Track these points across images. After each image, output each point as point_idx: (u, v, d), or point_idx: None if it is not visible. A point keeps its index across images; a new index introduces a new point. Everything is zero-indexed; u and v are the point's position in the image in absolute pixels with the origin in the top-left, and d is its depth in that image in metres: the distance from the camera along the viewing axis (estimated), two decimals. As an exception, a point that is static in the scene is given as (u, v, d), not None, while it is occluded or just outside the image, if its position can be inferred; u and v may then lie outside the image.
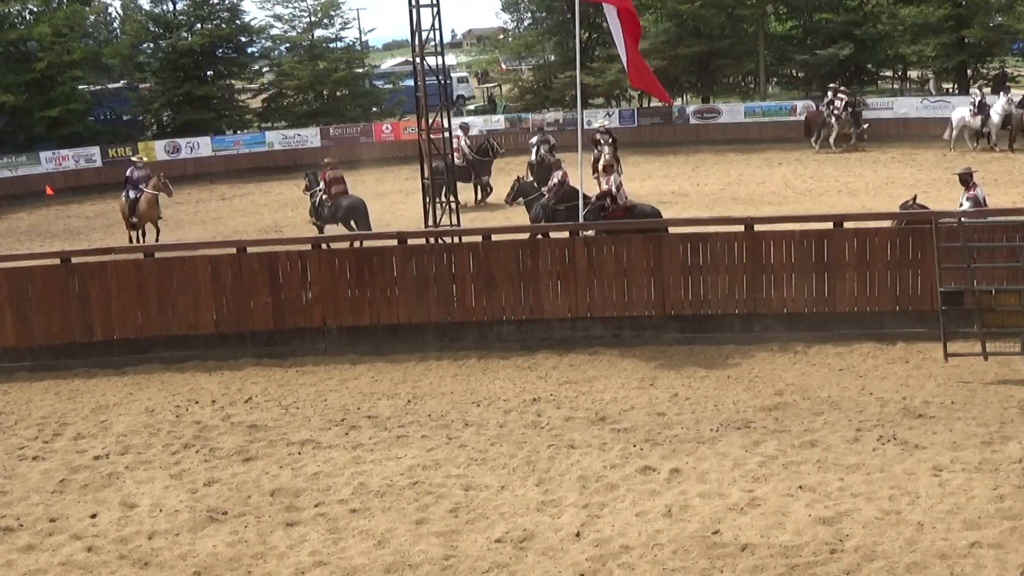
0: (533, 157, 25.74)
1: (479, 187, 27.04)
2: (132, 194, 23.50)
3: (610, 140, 24.95)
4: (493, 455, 10.43)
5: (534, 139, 26.34)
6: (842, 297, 13.87)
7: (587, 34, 41.18)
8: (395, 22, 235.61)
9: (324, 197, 21.91)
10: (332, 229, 21.18)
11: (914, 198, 16.38)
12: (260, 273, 14.56)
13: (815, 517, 8.54)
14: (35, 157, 35.09)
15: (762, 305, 14.02)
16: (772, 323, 13.99)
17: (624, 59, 16.20)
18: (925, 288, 13.53)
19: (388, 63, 66.27)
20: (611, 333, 14.22)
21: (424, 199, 18.04)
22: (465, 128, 28.26)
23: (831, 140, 33.07)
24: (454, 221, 17.58)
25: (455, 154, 26.18)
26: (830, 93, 33.97)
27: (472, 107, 51.56)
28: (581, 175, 18.68)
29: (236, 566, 8.39)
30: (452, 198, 17.88)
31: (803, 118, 35.27)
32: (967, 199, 15.00)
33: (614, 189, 18.00)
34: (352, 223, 21.45)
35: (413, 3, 17.20)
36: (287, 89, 43.17)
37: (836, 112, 33.10)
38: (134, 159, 26.39)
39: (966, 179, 15.26)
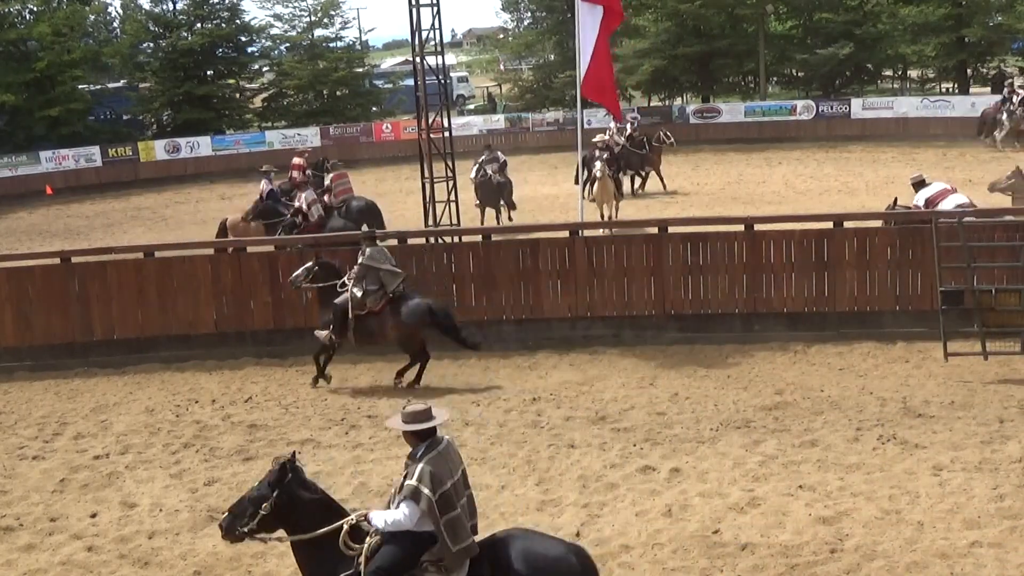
0: (473, 175, 22.84)
1: (631, 178, 26.95)
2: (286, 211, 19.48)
3: (606, 156, 22.55)
4: (493, 455, 10.42)
5: (482, 158, 23.37)
6: (842, 297, 13.87)
7: (587, 34, 41.19)
8: (395, 22, 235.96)
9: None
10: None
11: (895, 201, 16.48)
12: (260, 273, 14.56)
13: (815, 517, 8.54)
14: (35, 157, 35.09)
15: (762, 305, 14.02)
16: (772, 323, 13.99)
17: (585, 64, 15.71)
18: (925, 288, 13.53)
19: (388, 63, 66.26)
20: (611, 333, 14.22)
21: (424, 199, 18.06)
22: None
23: (999, 136, 30.61)
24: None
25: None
26: (1006, 89, 31.94)
27: (472, 107, 51.56)
28: (580, 174, 18.70)
29: (236, 566, 8.39)
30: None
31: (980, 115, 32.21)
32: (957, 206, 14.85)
33: (305, 206, 18.61)
34: None
35: (413, 3, 17.21)
36: (287, 89, 43.17)
37: (1011, 108, 30.56)
38: (263, 168, 21.69)
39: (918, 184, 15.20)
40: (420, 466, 5.95)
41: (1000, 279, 12.89)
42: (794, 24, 44.22)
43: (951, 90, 40.80)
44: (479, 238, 15.07)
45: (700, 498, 9.07)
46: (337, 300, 12.72)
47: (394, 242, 15.06)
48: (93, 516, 9.51)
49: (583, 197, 21.59)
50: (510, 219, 22.75)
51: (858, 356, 13.18)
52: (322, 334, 12.86)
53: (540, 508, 9.10)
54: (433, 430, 6.10)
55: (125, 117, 42.45)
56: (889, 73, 44.66)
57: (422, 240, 16.29)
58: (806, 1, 41.55)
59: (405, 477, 6.03)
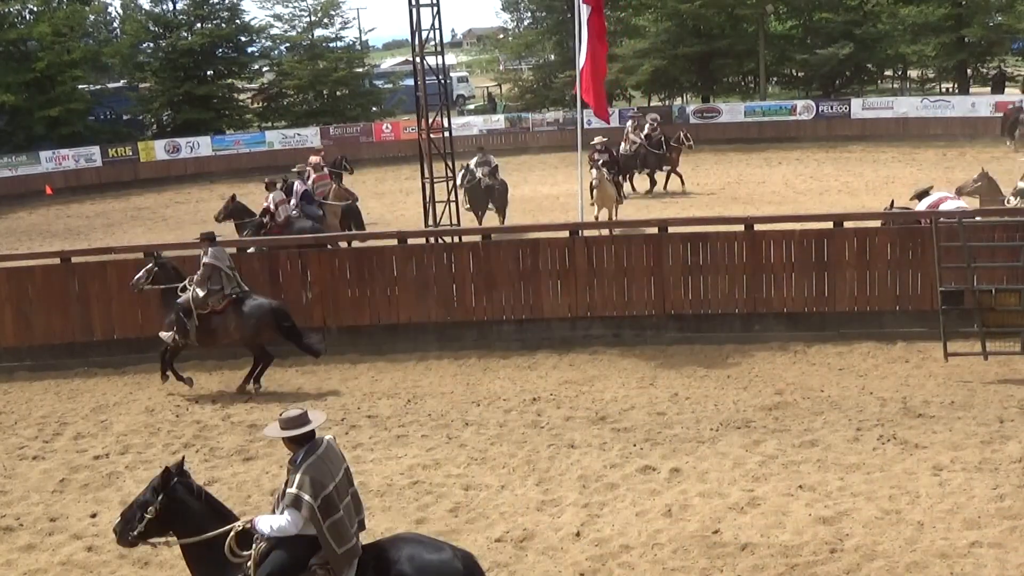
0: (459, 180, 20.46)
1: (649, 177, 27.35)
2: (313, 211, 19.42)
3: (606, 159, 22.21)
4: (493, 455, 10.42)
5: (472, 161, 22.71)
6: (842, 297, 13.87)
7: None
8: (395, 22, 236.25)
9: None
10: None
11: (891, 204, 16.53)
12: (260, 273, 14.54)
13: (815, 517, 8.54)
14: (35, 157, 35.09)
15: (762, 305, 14.02)
16: (772, 323, 13.99)
17: (580, 63, 15.94)
18: (925, 288, 13.53)
19: (388, 63, 66.28)
20: (611, 333, 14.21)
21: (424, 199, 18.06)
22: (636, 120, 28.40)
23: (1018, 136, 30.36)
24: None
25: (624, 144, 26.57)
26: None
27: (472, 107, 51.56)
28: (580, 174, 18.67)
29: (236, 566, 8.37)
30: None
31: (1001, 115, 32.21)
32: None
33: (272, 207, 18.78)
34: None
35: (413, 3, 17.20)
36: (287, 89, 43.17)
37: None
38: (296, 168, 21.61)
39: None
40: (299, 474, 6.04)
41: (1000, 279, 12.89)
42: (794, 24, 44.25)
43: (951, 90, 40.81)
44: (479, 238, 15.06)
45: (700, 498, 9.07)
46: (180, 300, 12.94)
47: (394, 242, 15.07)
48: (93, 516, 9.51)
49: (591, 200, 21.60)
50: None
51: (858, 356, 13.18)
52: (166, 335, 13.03)
53: (540, 508, 9.10)
54: (311, 434, 6.18)
55: (125, 117, 42.47)
56: (889, 73, 44.67)
57: (422, 240, 16.30)
58: (806, 1, 41.57)
59: (286, 484, 6.11)
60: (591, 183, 21.22)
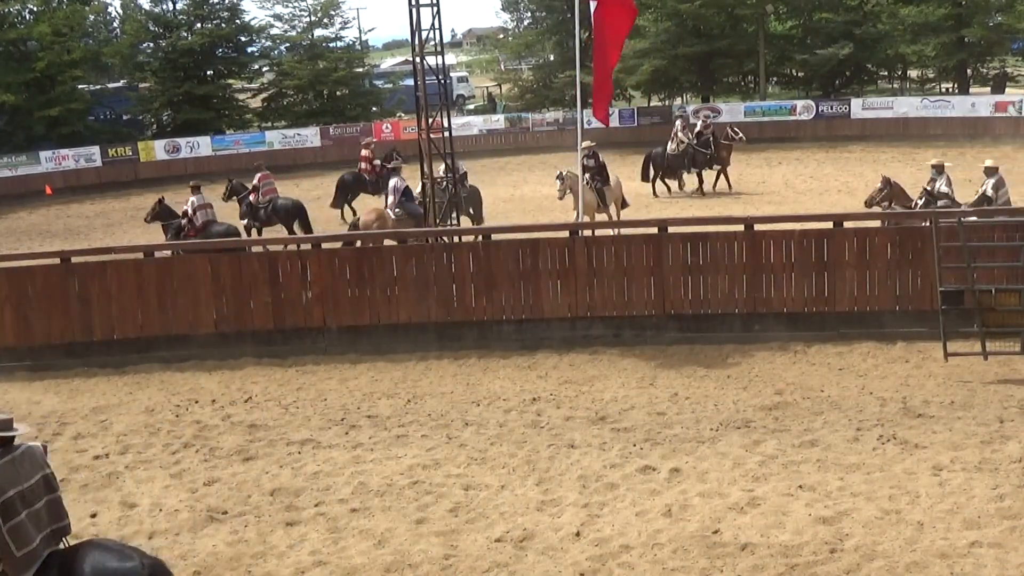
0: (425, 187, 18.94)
1: (697, 175, 27.19)
2: (414, 209, 18.90)
3: (593, 164, 21.29)
4: (493, 455, 10.42)
5: (441, 168, 21.42)
6: (842, 297, 13.87)
7: (587, 33, 41.07)
8: (395, 22, 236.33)
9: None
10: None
11: (890, 203, 16.51)
12: (260, 273, 14.56)
13: (815, 517, 8.53)
14: (35, 157, 35.11)
15: (762, 305, 14.02)
16: (772, 323, 13.99)
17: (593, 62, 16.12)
18: (925, 288, 13.53)
19: (388, 63, 66.31)
20: (611, 333, 14.22)
21: (424, 198, 18.05)
22: (685, 118, 28.31)
23: None
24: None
25: (671, 143, 26.56)
26: None
27: (472, 107, 51.58)
28: (580, 174, 18.66)
29: (236, 566, 8.38)
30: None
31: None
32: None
33: (191, 211, 19.31)
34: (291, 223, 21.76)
35: (413, 3, 17.18)
36: (287, 89, 43.19)
37: None
38: (392, 165, 21.83)
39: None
40: None
41: (1000, 279, 12.90)
42: (794, 24, 44.27)
43: (951, 90, 40.81)
44: (479, 238, 15.06)
45: (700, 498, 9.06)
46: None
47: (394, 242, 15.07)
48: (93, 516, 9.50)
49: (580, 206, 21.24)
50: None
51: (858, 356, 13.18)
52: None
53: (540, 508, 9.10)
54: (8, 440, 6.14)
55: (125, 117, 42.49)
56: (889, 73, 44.69)
57: (422, 240, 16.29)
58: (806, 1, 41.58)
59: None
60: (558, 192, 20.25)
